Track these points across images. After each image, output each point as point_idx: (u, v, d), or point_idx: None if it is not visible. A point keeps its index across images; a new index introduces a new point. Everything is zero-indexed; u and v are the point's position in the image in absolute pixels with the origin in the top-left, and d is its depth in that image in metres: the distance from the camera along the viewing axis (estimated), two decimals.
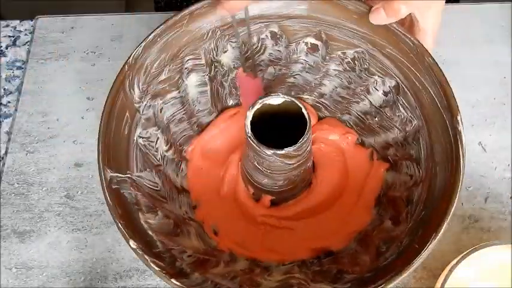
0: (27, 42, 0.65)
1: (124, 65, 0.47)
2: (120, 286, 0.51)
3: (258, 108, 0.45)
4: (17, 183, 0.56)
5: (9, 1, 1.11)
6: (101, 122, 0.45)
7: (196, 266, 0.45)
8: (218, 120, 0.56)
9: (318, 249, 0.50)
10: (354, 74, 0.54)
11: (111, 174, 0.44)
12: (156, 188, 0.50)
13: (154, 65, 0.50)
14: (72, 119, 0.60)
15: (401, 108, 0.51)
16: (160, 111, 0.52)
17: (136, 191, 0.47)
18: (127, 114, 0.48)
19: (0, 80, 0.63)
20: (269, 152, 0.43)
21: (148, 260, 0.41)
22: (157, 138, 0.52)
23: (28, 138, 0.59)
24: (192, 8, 0.49)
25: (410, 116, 0.50)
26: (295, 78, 0.56)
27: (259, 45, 0.54)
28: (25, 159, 0.58)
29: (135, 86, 0.48)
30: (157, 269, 0.41)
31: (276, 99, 0.45)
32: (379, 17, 0.48)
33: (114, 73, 0.47)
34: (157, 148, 0.52)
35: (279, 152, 0.43)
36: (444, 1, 0.48)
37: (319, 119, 0.56)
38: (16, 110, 0.60)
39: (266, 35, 0.53)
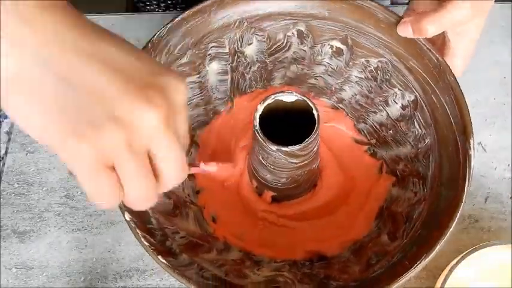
0: None
1: (148, 43, 0.48)
2: (120, 286, 0.51)
3: (269, 104, 0.45)
4: (17, 183, 0.56)
5: None
6: None
7: (187, 249, 0.46)
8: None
9: (313, 252, 0.50)
10: (375, 84, 0.53)
11: None
12: None
13: (177, 48, 0.50)
14: None
15: (416, 124, 0.50)
16: None
17: None
18: None
19: None
20: (274, 147, 0.43)
21: (140, 234, 0.42)
22: None
23: (28, 138, 0.58)
24: None
25: (424, 133, 0.49)
26: (316, 79, 0.56)
27: (285, 41, 0.54)
28: (25, 159, 0.58)
29: None
30: (146, 244, 0.41)
31: (289, 97, 0.45)
32: (406, 31, 0.47)
33: None
34: None
35: (283, 148, 0.43)
36: (479, 32, 0.47)
37: None
38: None
39: (293, 33, 0.53)
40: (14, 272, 0.52)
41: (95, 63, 0.26)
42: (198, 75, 0.53)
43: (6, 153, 0.58)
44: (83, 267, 0.52)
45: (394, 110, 0.52)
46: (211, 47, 0.52)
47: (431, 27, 0.45)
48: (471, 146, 0.43)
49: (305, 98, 0.44)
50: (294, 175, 0.48)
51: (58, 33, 0.26)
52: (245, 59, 0.55)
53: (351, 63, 0.54)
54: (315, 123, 0.44)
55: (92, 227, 0.54)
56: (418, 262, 0.40)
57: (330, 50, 0.54)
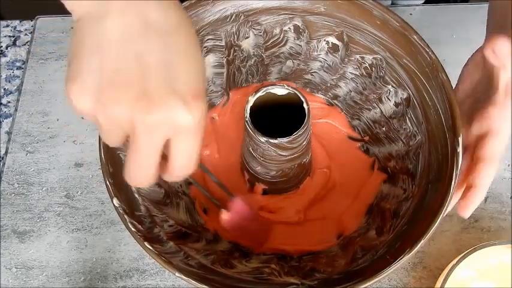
0: (27, 42, 0.65)
1: None
2: (120, 286, 0.52)
3: (262, 97, 0.45)
4: (17, 183, 0.57)
5: (9, 1, 1.09)
6: None
7: (175, 237, 0.46)
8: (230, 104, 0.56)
9: (303, 249, 0.50)
10: (369, 81, 0.53)
11: None
12: None
13: None
14: (72, 119, 0.60)
15: (408, 122, 0.50)
16: None
17: None
18: None
19: (0, 80, 0.63)
20: (263, 139, 0.44)
21: (127, 220, 0.42)
22: None
23: (28, 138, 0.59)
24: None
25: (415, 131, 0.49)
26: (312, 75, 0.56)
27: (282, 36, 0.55)
28: (25, 159, 0.58)
29: None
30: (133, 230, 0.42)
31: (280, 90, 0.45)
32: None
33: None
34: None
35: (272, 140, 0.44)
36: None
37: None
38: (16, 110, 0.61)
39: (289, 28, 0.54)
40: (14, 272, 0.53)
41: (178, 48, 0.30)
42: None
43: (6, 153, 0.58)
44: (83, 267, 0.52)
45: (388, 107, 0.53)
46: (208, 40, 0.53)
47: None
48: (460, 144, 0.43)
49: (296, 92, 0.44)
50: (284, 168, 0.48)
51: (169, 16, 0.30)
52: (241, 53, 0.55)
53: (346, 59, 0.54)
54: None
55: (92, 227, 0.54)
56: (401, 257, 0.40)
57: (326, 46, 0.54)
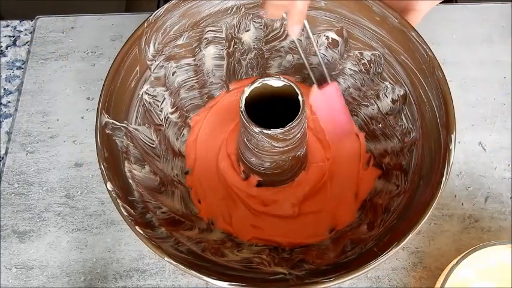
0: (27, 42, 0.65)
1: (144, 22, 0.49)
2: (120, 286, 0.52)
3: (258, 88, 0.45)
4: (17, 183, 0.57)
5: (9, 1, 1.09)
6: (110, 68, 0.47)
7: (167, 223, 0.47)
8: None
9: (295, 242, 0.50)
10: (367, 77, 0.54)
11: (107, 119, 0.47)
12: (151, 145, 0.52)
13: (174, 28, 0.51)
14: (72, 119, 0.60)
15: (403, 119, 0.50)
16: (173, 75, 0.54)
17: (129, 141, 0.49)
18: (137, 68, 0.50)
19: (0, 80, 0.63)
20: (257, 129, 0.44)
21: (120, 204, 0.43)
22: (164, 98, 0.53)
23: (28, 138, 0.59)
24: None
25: (410, 128, 0.49)
26: (312, 70, 0.56)
27: (282, 30, 0.55)
28: (25, 159, 0.58)
29: (151, 44, 0.50)
30: (125, 214, 0.42)
31: (276, 82, 0.45)
32: None
33: None
34: (162, 108, 0.53)
35: (265, 131, 0.44)
36: None
37: None
38: (16, 110, 0.61)
39: None
40: (14, 272, 0.53)
41: None
42: (193, 58, 0.54)
43: (6, 153, 0.58)
44: (83, 267, 0.53)
45: (385, 103, 0.53)
46: (208, 31, 0.53)
47: None
48: (452, 140, 0.43)
49: (292, 84, 0.45)
50: (278, 160, 0.48)
51: None
52: (242, 46, 0.56)
53: (345, 55, 0.54)
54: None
55: (92, 227, 0.54)
56: (388, 250, 0.40)
57: (326, 41, 0.54)
